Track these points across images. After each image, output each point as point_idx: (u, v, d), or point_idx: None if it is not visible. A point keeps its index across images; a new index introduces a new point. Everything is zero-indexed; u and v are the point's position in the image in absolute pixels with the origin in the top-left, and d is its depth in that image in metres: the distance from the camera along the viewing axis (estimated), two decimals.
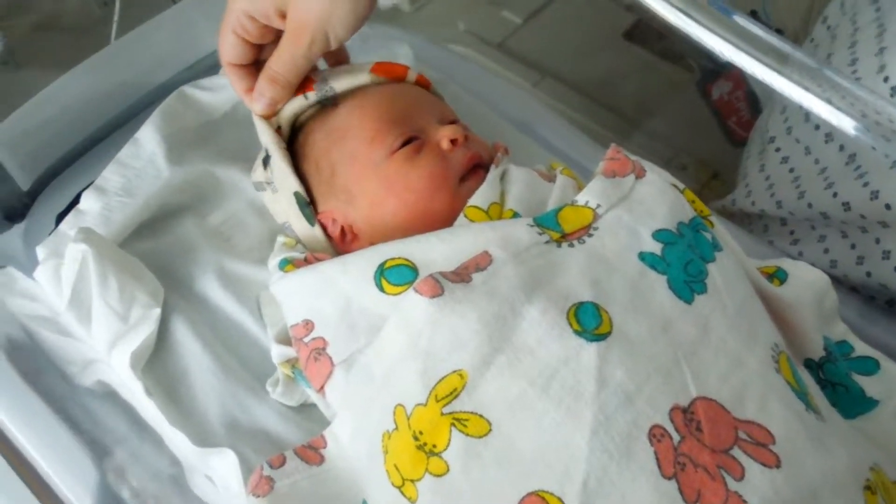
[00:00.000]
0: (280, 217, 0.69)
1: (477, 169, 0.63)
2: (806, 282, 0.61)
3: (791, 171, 0.83)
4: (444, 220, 0.59)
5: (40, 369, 0.59)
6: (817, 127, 0.80)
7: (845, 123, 0.60)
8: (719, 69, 1.33)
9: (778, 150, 0.86)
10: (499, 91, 0.90)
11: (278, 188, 0.66)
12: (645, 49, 1.45)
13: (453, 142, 0.63)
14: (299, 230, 0.67)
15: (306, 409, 0.62)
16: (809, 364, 0.60)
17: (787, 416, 0.48)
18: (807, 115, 0.82)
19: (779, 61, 0.63)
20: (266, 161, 0.67)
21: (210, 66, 0.82)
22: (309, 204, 0.66)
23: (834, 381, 0.59)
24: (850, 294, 0.76)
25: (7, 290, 0.64)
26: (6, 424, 0.55)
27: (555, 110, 0.95)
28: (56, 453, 0.54)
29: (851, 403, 0.59)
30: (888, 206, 0.69)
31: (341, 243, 0.65)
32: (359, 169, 0.63)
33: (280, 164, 0.65)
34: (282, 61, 0.63)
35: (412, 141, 0.63)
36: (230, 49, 0.64)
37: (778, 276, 0.61)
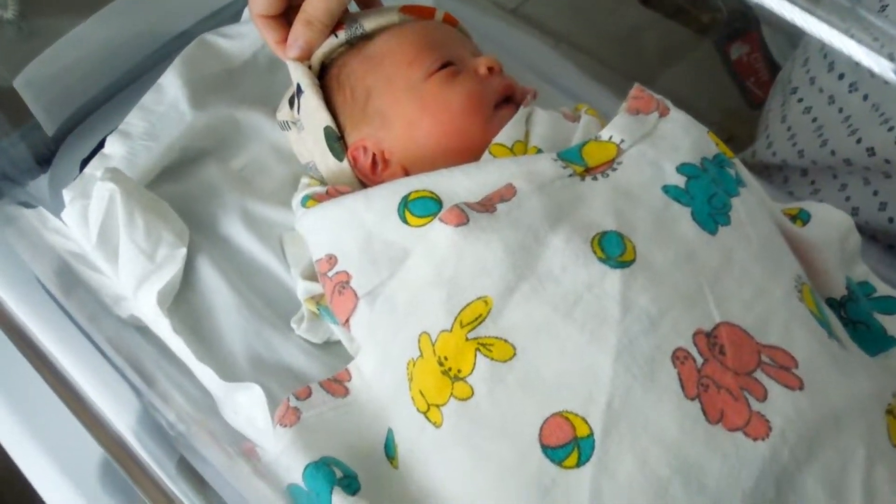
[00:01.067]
0: (304, 157, 0.69)
1: (510, 101, 0.64)
2: (829, 222, 0.61)
3: (814, 120, 0.83)
4: (475, 145, 0.60)
5: (80, 300, 0.61)
6: (841, 76, 0.79)
7: (875, 63, 0.59)
8: (737, 30, 1.32)
9: (800, 100, 0.86)
10: (520, 43, 0.89)
11: (305, 125, 0.67)
12: (660, 12, 1.44)
13: (490, 69, 0.64)
14: (325, 167, 0.67)
15: (331, 346, 0.63)
16: (831, 303, 0.60)
17: (810, 341, 0.48)
18: (830, 66, 0.81)
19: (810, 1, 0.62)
20: (293, 100, 0.68)
21: (232, 15, 0.83)
22: (339, 138, 0.66)
23: (855, 320, 0.59)
24: (870, 242, 0.75)
25: (41, 226, 0.65)
26: (51, 354, 0.56)
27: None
28: (100, 383, 0.55)
29: (873, 341, 0.59)
30: None
31: (372, 173, 0.66)
32: (396, 91, 0.64)
33: (312, 99, 0.65)
34: (316, 4, 0.63)
35: (449, 66, 0.64)
36: (260, 1, 0.64)
37: (801, 216, 0.62)
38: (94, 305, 0.60)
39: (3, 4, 0.85)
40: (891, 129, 0.72)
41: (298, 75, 0.66)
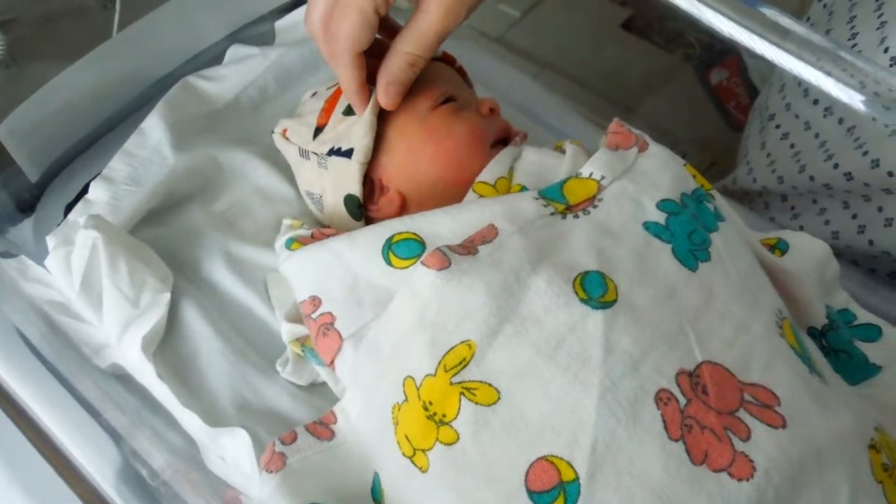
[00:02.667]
0: (313, 187, 0.69)
1: (502, 143, 0.66)
2: (807, 251, 0.62)
3: (791, 146, 0.84)
4: (469, 179, 0.61)
5: (58, 352, 0.60)
6: (816, 102, 0.81)
7: (845, 95, 0.61)
8: (717, 57, 1.35)
9: (778, 126, 0.87)
10: (501, 77, 0.90)
11: (330, 174, 0.66)
12: (643, 39, 1.46)
13: (491, 110, 0.67)
14: (329, 205, 0.68)
15: (316, 388, 0.63)
16: (812, 333, 0.60)
17: (791, 378, 0.49)
18: (805, 91, 0.83)
19: (779, 36, 0.64)
20: (318, 132, 0.67)
21: (213, 57, 0.83)
22: (359, 206, 0.66)
23: (837, 349, 0.60)
24: (851, 267, 0.76)
25: (22, 276, 0.65)
26: (29, 407, 0.56)
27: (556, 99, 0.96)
28: (78, 435, 0.55)
29: (855, 370, 0.59)
30: (890, 174, 0.70)
31: (368, 200, 0.66)
32: (402, 117, 0.64)
33: (355, 169, 0.64)
34: (416, 39, 0.58)
35: (453, 101, 0.66)
36: (365, 31, 0.56)
37: (779, 247, 0.62)
38: (74, 356, 0.60)
39: None
40: (865, 153, 0.73)
41: (365, 144, 0.63)
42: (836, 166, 0.76)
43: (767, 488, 0.44)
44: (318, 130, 0.68)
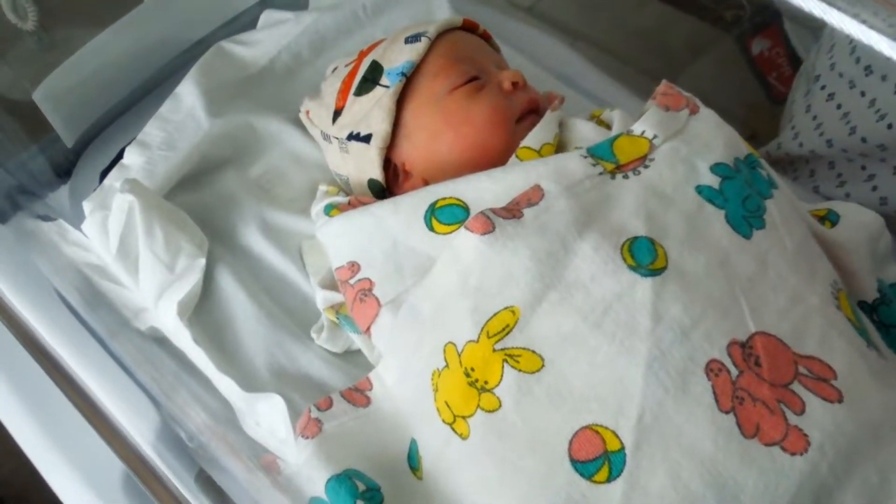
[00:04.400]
0: (340, 169, 0.68)
1: (532, 114, 0.63)
2: (859, 223, 0.59)
3: (839, 107, 0.81)
4: (497, 159, 0.59)
5: (97, 315, 0.60)
6: (858, 60, 0.77)
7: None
8: (759, 26, 1.30)
9: (823, 87, 0.84)
10: (537, 44, 0.88)
11: (353, 158, 0.65)
12: (680, 8, 1.42)
13: (514, 84, 0.63)
14: (357, 184, 0.67)
15: (351, 355, 0.62)
16: (863, 306, 0.58)
17: (848, 351, 0.47)
18: (852, 49, 0.79)
19: None
20: (336, 115, 0.66)
21: (248, 22, 0.82)
22: (382, 189, 0.65)
23: (889, 324, 0.58)
24: None
25: (61, 239, 0.65)
26: (71, 369, 0.56)
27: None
28: (118, 396, 0.55)
29: None
30: None
31: (392, 184, 0.65)
32: (419, 102, 0.63)
33: (375, 155, 0.64)
34: None
35: (474, 80, 0.63)
36: None
37: (829, 218, 0.60)
38: (113, 318, 0.60)
39: (23, 16, 0.85)
40: None
41: (383, 130, 0.63)
42: (889, 126, 0.73)
43: (822, 463, 0.42)
44: (337, 114, 0.66)
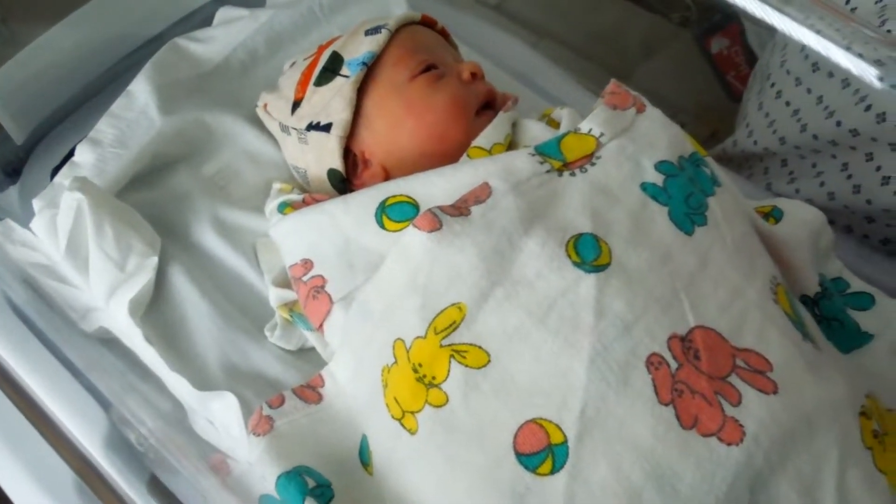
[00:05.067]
0: (297, 161, 0.68)
1: (489, 108, 0.64)
2: (801, 219, 0.61)
3: (787, 104, 0.82)
4: (455, 150, 0.60)
5: (45, 317, 0.60)
6: (806, 57, 0.79)
7: (845, 59, 0.59)
8: (717, 25, 1.32)
9: (773, 85, 0.86)
10: (496, 42, 0.89)
11: (312, 149, 0.65)
12: (640, 6, 1.43)
13: (473, 75, 0.64)
14: (315, 177, 0.67)
15: (304, 353, 0.62)
16: (805, 300, 0.60)
17: (784, 344, 0.48)
18: (802, 47, 0.81)
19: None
20: (295, 106, 0.66)
21: (204, 19, 0.81)
22: (343, 180, 0.66)
23: (829, 317, 0.59)
24: (844, 235, 0.76)
25: (7, 239, 0.64)
26: (17, 373, 0.55)
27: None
28: (66, 401, 0.54)
29: (847, 338, 0.59)
30: None
31: (352, 174, 0.65)
32: (380, 91, 0.63)
33: (335, 145, 0.64)
34: None
35: (432, 69, 0.63)
36: None
37: (773, 214, 0.62)
38: (60, 321, 0.59)
39: None
40: (868, 107, 0.71)
41: (343, 119, 0.63)
42: (838, 124, 0.75)
43: (757, 453, 0.44)
44: (296, 105, 0.66)
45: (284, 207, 0.63)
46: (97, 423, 0.53)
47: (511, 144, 0.61)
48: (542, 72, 0.87)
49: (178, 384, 0.58)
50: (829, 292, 0.61)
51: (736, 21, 1.28)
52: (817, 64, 0.78)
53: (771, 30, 0.89)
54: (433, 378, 0.48)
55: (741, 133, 0.93)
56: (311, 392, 0.55)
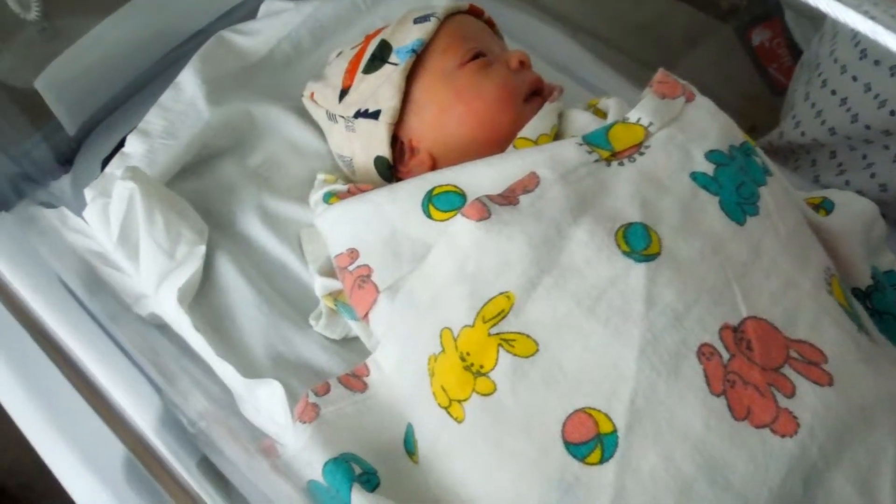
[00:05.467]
0: (343, 149, 0.69)
1: (536, 96, 0.64)
2: (853, 211, 0.60)
3: (833, 93, 0.81)
4: (503, 137, 0.60)
5: (100, 301, 0.61)
6: (857, 45, 0.77)
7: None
8: (759, 17, 1.30)
9: (820, 74, 0.84)
10: (537, 35, 0.89)
11: (360, 136, 0.66)
12: (683, 2, 1.41)
13: (521, 63, 0.64)
14: (361, 165, 0.67)
15: (349, 342, 0.63)
16: (856, 293, 0.59)
17: (839, 335, 0.47)
18: (853, 35, 0.79)
19: None
20: (343, 94, 0.67)
21: (248, 12, 0.83)
22: (389, 167, 0.66)
23: (882, 310, 0.58)
24: (894, 230, 0.74)
25: (63, 226, 0.66)
26: (74, 354, 0.57)
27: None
28: (121, 382, 0.56)
29: None
30: None
31: (398, 161, 0.66)
32: (429, 78, 0.64)
33: (383, 132, 0.64)
34: None
35: (481, 57, 0.64)
36: None
37: (824, 206, 0.60)
38: (114, 304, 0.60)
39: (26, 6, 0.86)
40: None
41: (392, 106, 0.64)
42: (892, 113, 0.73)
43: (811, 445, 0.43)
44: (344, 93, 0.67)
45: (330, 197, 0.63)
46: (151, 404, 0.54)
47: (557, 135, 0.61)
48: (583, 63, 0.87)
49: (225, 371, 0.59)
50: (882, 285, 0.59)
51: (778, 14, 1.26)
52: (865, 51, 0.76)
53: (819, 18, 0.87)
54: (481, 367, 0.48)
55: (787, 125, 0.92)
56: (356, 381, 0.56)
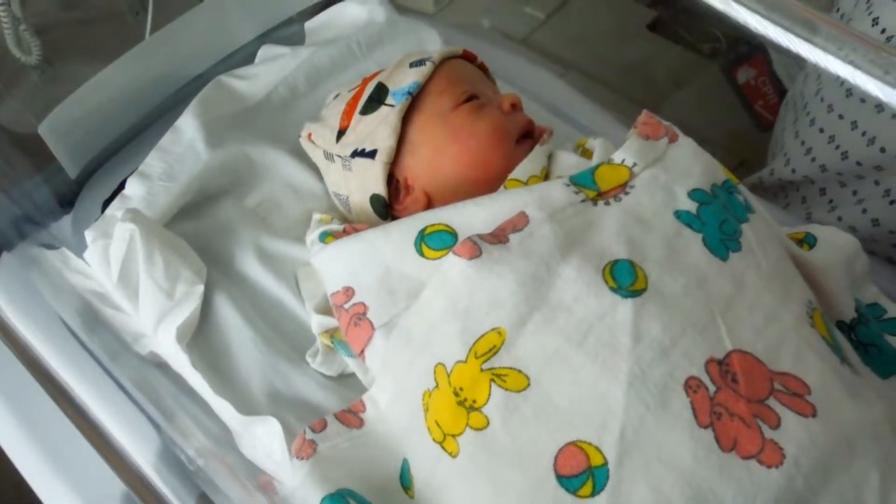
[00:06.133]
0: (340, 188, 0.71)
1: (528, 138, 0.67)
2: (836, 245, 0.61)
3: (821, 131, 0.83)
4: (496, 176, 0.62)
5: (101, 339, 0.62)
6: (842, 83, 0.80)
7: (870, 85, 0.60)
8: (744, 55, 1.34)
9: (808, 113, 0.87)
10: (527, 76, 0.91)
11: (356, 175, 0.68)
12: (669, 40, 1.45)
13: (513, 106, 0.67)
14: (357, 204, 0.69)
15: (345, 379, 0.64)
16: (841, 326, 0.60)
17: (822, 367, 0.49)
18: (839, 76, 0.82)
19: (809, 31, 0.63)
20: (340, 135, 0.69)
21: (245, 57, 0.85)
22: (385, 205, 0.68)
23: (867, 342, 0.60)
24: (883, 264, 0.76)
25: (65, 267, 0.67)
26: (74, 392, 0.57)
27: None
28: (121, 419, 0.56)
29: (884, 363, 0.59)
30: None
31: (394, 199, 0.68)
32: (425, 118, 0.66)
33: (379, 172, 0.66)
34: None
35: (475, 99, 0.66)
36: None
37: (807, 241, 0.62)
38: (114, 343, 0.61)
39: (27, 50, 0.89)
40: None
41: (388, 145, 0.66)
42: (882, 150, 0.75)
43: (797, 475, 0.44)
44: (341, 133, 0.69)
45: (325, 237, 0.65)
46: (150, 440, 0.55)
47: (547, 176, 0.63)
48: (572, 103, 0.89)
49: (222, 408, 0.60)
50: (866, 318, 0.61)
51: (762, 51, 1.29)
52: (851, 90, 0.79)
53: (799, 59, 0.90)
54: (474, 402, 0.49)
55: (778, 162, 0.94)
56: (352, 417, 0.56)
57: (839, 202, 0.86)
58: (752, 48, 1.30)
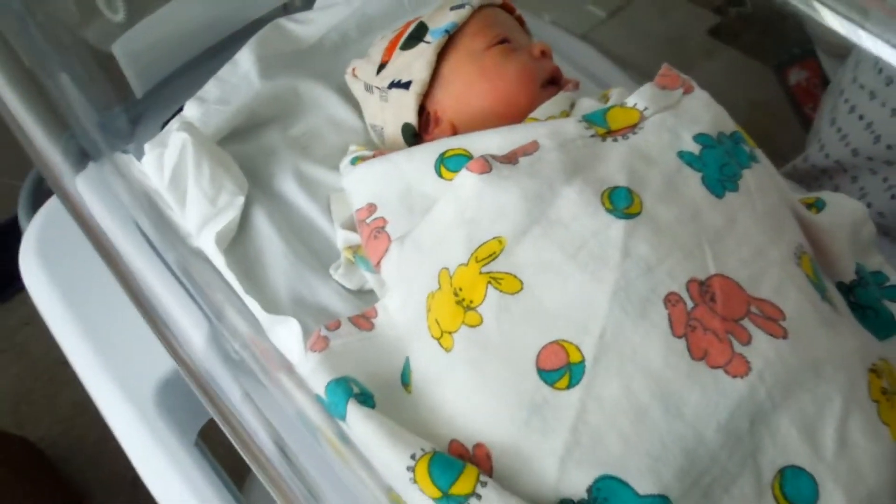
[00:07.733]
0: (376, 118, 0.76)
1: (553, 85, 0.71)
2: (843, 209, 0.63)
3: (861, 118, 0.84)
4: (519, 114, 0.66)
5: (161, 233, 0.67)
6: (880, 71, 0.81)
7: None
8: (796, 55, 1.34)
9: (846, 100, 0.88)
10: (560, 42, 0.94)
11: (391, 105, 0.73)
12: (730, 46, 1.46)
13: (543, 52, 0.71)
14: (390, 134, 0.74)
15: (364, 294, 0.69)
16: (840, 287, 0.62)
17: (801, 300, 0.51)
18: (875, 62, 0.83)
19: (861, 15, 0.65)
20: (381, 68, 0.74)
21: (304, 3, 0.91)
22: (415, 135, 0.73)
23: (864, 305, 0.61)
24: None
25: (127, 167, 0.74)
26: (143, 282, 0.62)
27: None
28: (175, 304, 0.61)
29: (880, 326, 0.60)
30: None
31: (423, 129, 0.73)
32: (458, 56, 0.71)
33: (411, 101, 0.71)
34: None
35: (506, 42, 0.71)
36: None
37: (816, 204, 0.64)
38: (174, 237, 0.67)
39: (115, 9, 0.96)
40: None
41: (422, 78, 0.70)
42: None
43: (760, 387, 0.47)
44: (382, 67, 0.74)
45: (356, 160, 0.70)
46: (200, 326, 0.58)
47: None
48: (607, 71, 0.92)
49: (250, 306, 0.65)
50: (865, 281, 0.62)
51: (814, 55, 1.29)
52: (893, 78, 0.80)
53: (847, 55, 0.90)
54: (471, 301, 0.53)
55: (813, 148, 0.95)
56: (364, 321, 0.61)
57: (869, 189, 0.87)
58: (805, 51, 1.30)
